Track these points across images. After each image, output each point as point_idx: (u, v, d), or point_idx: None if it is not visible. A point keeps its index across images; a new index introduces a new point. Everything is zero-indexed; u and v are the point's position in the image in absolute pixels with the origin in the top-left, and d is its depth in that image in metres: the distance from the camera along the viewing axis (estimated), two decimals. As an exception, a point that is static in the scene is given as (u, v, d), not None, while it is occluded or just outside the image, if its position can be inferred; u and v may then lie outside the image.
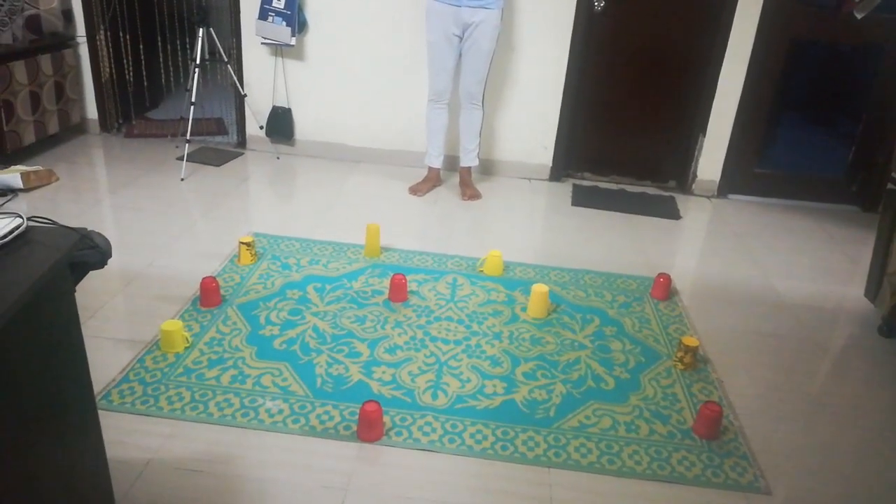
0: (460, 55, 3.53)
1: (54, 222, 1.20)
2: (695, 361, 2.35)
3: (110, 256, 1.27)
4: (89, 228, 1.50)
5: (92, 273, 1.37)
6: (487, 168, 4.15)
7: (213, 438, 1.89)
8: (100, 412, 1.87)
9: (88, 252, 1.19)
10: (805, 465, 1.98)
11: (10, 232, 1.12)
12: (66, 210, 3.24)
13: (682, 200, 4.02)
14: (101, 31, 4.15)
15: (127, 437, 1.87)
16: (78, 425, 1.28)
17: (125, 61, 4.40)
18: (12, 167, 3.45)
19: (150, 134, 4.36)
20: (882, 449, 2.08)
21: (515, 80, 3.97)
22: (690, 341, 2.34)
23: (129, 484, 1.72)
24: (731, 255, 3.35)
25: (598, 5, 3.79)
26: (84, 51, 4.14)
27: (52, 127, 3.94)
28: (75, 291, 1.23)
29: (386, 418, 1.97)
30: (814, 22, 3.81)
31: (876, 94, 3.89)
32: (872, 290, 2.76)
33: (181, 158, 3.82)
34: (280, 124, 4.16)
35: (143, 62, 4.59)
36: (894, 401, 2.32)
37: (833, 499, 1.86)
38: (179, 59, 5.03)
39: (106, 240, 1.29)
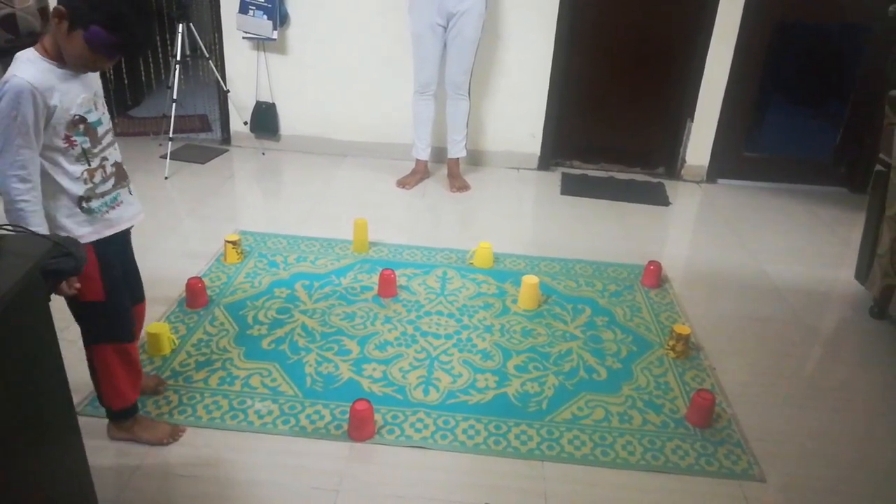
0: (445, 45, 3.49)
1: (25, 230, 1.16)
2: (687, 349, 2.34)
3: (85, 263, 1.24)
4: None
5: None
6: (475, 159, 4.12)
7: (201, 442, 1.86)
8: (86, 419, 1.87)
9: (62, 259, 1.16)
10: (799, 451, 1.98)
11: (-20, 241, 1.09)
12: (48, 212, 3.18)
13: (671, 186, 4.00)
14: (79, 29, 4.07)
15: (114, 443, 1.84)
16: (57, 436, 1.25)
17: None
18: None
19: (132, 132, 4.30)
20: (876, 432, 2.08)
21: (501, 69, 3.94)
22: (682, 329, 2.33)
23: (117, 491, 1.69)
24: (722, 241, 3.34)
25: (583, -9, 3.75)
26: (62, 49, 4.07)
27: (32, 128, 3.87)
28: (50, 300, 1.19)
29: (377, 416, 1.95)
30: (799, 3, 3.79)
31: (863, 75, 3.88)
32: (863, 272, 2.76)
33: (164, 157, 3.77)
34: (264, 120, 4.11)
35: (122, 59, 4.51)
36: (887, 383, 2.32)
37: (828, 484, 1.86)
38: (160, 55, 4.96)
39: (81, 246, 1.25)
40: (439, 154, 3.94)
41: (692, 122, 3.98)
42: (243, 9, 3.79)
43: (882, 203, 2.60)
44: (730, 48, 3.80)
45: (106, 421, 1.84)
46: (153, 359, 2.17)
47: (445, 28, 3.43)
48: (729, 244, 3.30)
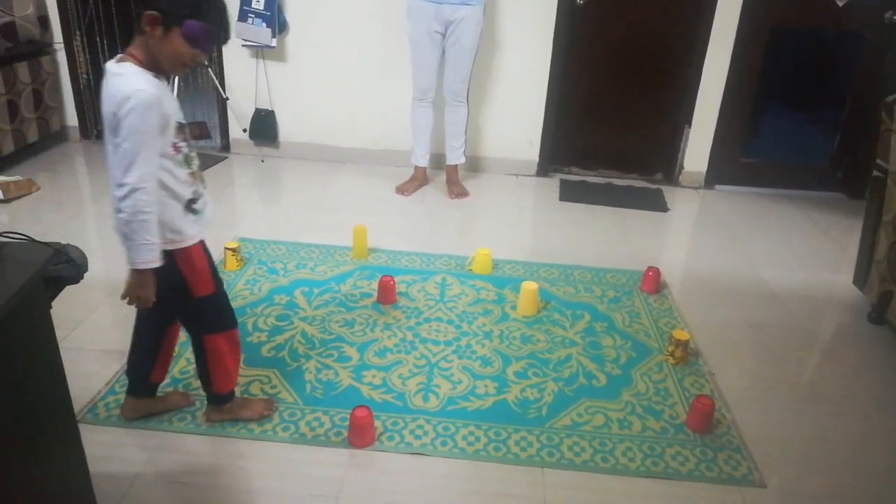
0: (443, 52, 3.50)
1: (27, 237, 1.17)
2: (686, 355, 2.35)
3: (86, 270, 1.24)
4: (71, 238, 1.47)
5: (70, 285, 1.34)
6: (474, 165, 4.13)
7: (201, 450, 1.86)
8: (86, 426, 1.87)
9: (63, 266, 1.16)
10: (799, 456, 1.98)
11: (-19, 249, 1.09)
12: (47, 220, 3.19)
13: (669, 192, 4.01)
14: (78, 37, 4.09)
15: (114, 450, 1.84)
16: (57, 445, 1.25)
17: (103, 67, 4.33)
18: (-9, 178, 3.40)
19: (132, 140, 4.30)
20: (875, 437, 2.09)
21: (499, 76, 3.95)
22: (681, 335, 2.34)
23: (117, 498, 1.69)
24: (720, 246, 3.35)
25: (581, -1, 3.77)
26: (62, 57, 4.08)
27: (32, 135, 3.88)
28: (51, 308, 1.20)
29: (377, 423, 1.95)
30: (795, 10, 3.81)
31: (858, 81, 3.90)
32: (861, 278, 2.77)
33: (164, 164, 3.76)
34: (264, 127, 4.12)
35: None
36: (885, 388, 2.32)
37: (828, 489, 1.86)
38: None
39: (82, 253, 1.26)
40: (438, 161, 3.95)
41: (690, 128, 4.00)
42: (242, 17, 3.81)
43: (879, 209, 2.61)
44: (727, 55, 3.82)
45: (108, 427, 1.84)
46: (153, 366, 2.16)
47: (444, 35, 3.44)
48: (727, 250, 3.31)
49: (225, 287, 1.83)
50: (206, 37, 1.49)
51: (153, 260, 1.56)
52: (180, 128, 1.58)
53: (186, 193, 1.62)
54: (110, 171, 1.52)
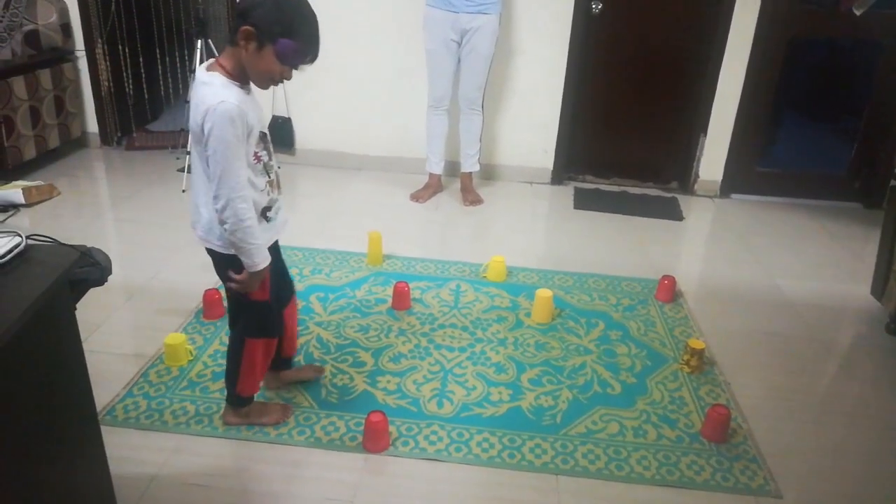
0: (459, 61, 3.52)
1: (54, 240, 1.19)
2: (701, 364, 2.34)
3: (110, 273, 1.27)
4: (91, 242, 1.50)
5: (94, 287, 1.36)
6: (489, 173, 4.14)
7: (218, 452, 1.88)
8: (104, 428, 1.87)
9: (89, 269, 1.19)
10: (815, 467, 1.96)
11: (10, 251, 1.12)
12: (67, 224, 3.24)
13: (684, 201, 4.00)
14: (100, 45, 4.15)
15: (132, 452, 1.86)
16: (80, 444, 1.27)
17: (124, 74, 4.40)
18: (13, 182, 3.45)
19: (151, 146, 4.36)
20: (892, 448, 2.06)
21: (515, 85, 3.97)
22: (696, 344, 2.33)
23: (134, 500, 1.71)
24: (735, 256, 3.33)
25: (596, 8, 3.78)
26: (83, 64, 4.14)
27: (53, 141, 3.94)
28: (76, 309, 1.22)
29: (392, 428, 1.96)
30: (812, 19, 3.80)
31: (876, 91, 3.87)
32: (879, 288, 2.74)
33: (182, 170, 3.81)
34: (280, 134, 4.15)
35: (142, 74, 4.59)
36: (904, 399, 2.30)
37: (844, 500, 1.84)
38: (178, 70, 5.05)
39: (106, 256, 1.28)
40: (452, 168, 3.97)
41: (705, 136, 3.99)
42: (261, 25, 3.84)
43: (898, 218, 2.60)
44: (743, 63, 3.81)
45: (126, 430, 1.86)
46: (170, 368, 2.19)
47: (459, 44, 3.46)
48: (743, 259, 3.29)
49: (277, 299, 1.87)
50: (296, 55, 1.53)
51: (265, 259, 1.63)
52: (262, 137, 1.62)
53: (262, 201, 1.66)
54: (197, 177, 1.58)
